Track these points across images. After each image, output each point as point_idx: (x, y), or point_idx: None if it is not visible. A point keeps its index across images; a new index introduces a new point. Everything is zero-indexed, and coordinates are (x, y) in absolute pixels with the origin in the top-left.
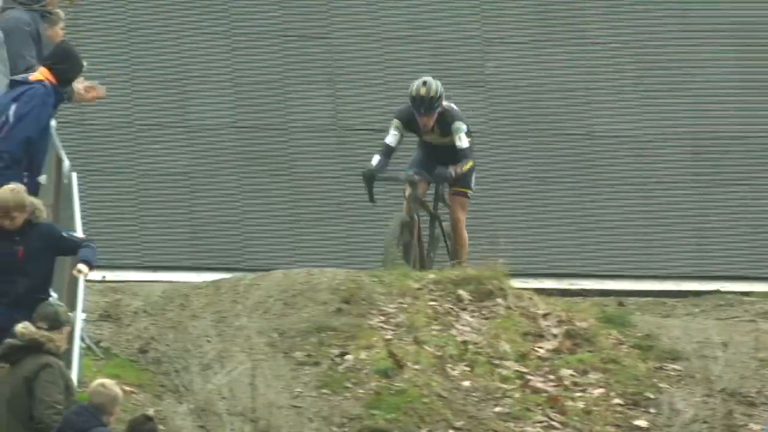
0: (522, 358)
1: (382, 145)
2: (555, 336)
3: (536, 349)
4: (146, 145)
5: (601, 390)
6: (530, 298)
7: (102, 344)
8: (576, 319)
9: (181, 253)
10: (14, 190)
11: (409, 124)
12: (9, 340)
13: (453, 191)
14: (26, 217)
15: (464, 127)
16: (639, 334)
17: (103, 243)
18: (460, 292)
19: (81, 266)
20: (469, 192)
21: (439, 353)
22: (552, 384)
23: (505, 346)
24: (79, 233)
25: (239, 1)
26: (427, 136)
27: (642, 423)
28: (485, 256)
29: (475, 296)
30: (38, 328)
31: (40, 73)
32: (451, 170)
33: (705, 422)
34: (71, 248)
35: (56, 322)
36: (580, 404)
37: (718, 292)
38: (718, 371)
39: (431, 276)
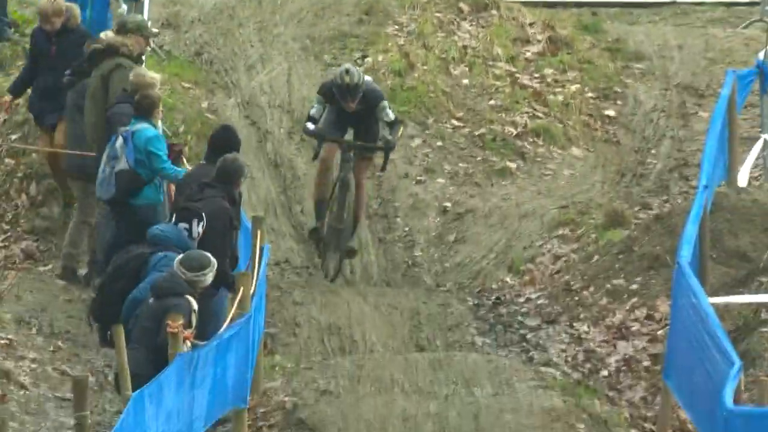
0: (512, 59)
1: (308, 117)
2: (539, 41)
3: (524, 52)
4: None
5: (577, 86)
6: (519, 10)
7: (164, 48)
8: (557, 26)
9: None
10: None
11: (331, 99)
12: (93, 45)
13: (362, 156)
14: (62, 21)
15: (387, 103)
16: (609, 39)
17: None
18: (461, 4)
19: None
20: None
21: (443, 56)
22: (536, 81)
23: (498, 50)
24: None
25: None
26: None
27: (611, 112)
28: None
29: (474, 8)
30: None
31: None
32: (392, 138)
33: (663, 111)
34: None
35: (138, 29)
36: (560, 97)
37: (674, 2)
38: (674, 69)
39: None
